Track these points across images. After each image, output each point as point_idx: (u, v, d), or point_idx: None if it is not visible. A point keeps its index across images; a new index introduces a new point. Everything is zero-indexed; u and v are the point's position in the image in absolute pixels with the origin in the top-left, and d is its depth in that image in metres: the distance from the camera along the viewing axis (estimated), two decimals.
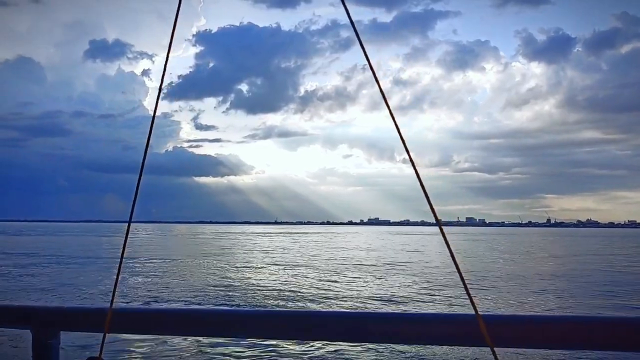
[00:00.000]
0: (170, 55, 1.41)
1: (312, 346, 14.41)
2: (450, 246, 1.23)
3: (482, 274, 35.07)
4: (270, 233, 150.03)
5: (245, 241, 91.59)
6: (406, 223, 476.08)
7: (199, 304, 22.81)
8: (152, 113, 1.48)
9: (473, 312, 1.23)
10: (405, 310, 19.95)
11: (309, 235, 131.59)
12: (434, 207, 1.24)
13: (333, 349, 14.15)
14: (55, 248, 60.81)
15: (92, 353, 1.48)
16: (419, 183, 1.25)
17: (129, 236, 1.45)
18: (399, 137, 1.29)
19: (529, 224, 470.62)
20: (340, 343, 13.80)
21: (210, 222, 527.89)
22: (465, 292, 1.22)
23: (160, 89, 1.48)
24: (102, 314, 1.52)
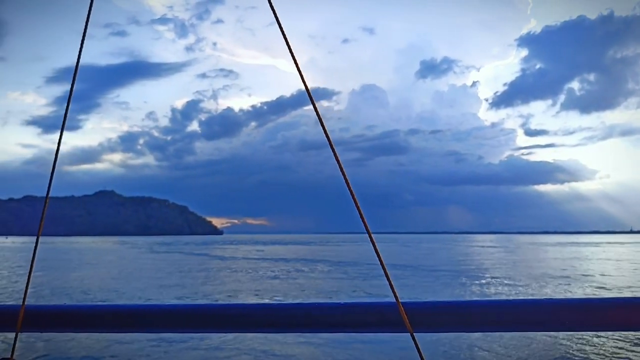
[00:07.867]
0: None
1: None
2: None
3: None
4: (625, 243, 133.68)
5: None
6: None
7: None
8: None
9: None
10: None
11: None
12: None
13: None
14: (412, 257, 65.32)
15: (4, 354, 1.42)
16: None
17: None
18: None
19: None
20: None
21: (555, 233, 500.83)
22: None
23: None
24: (14, 313, 1.42)
